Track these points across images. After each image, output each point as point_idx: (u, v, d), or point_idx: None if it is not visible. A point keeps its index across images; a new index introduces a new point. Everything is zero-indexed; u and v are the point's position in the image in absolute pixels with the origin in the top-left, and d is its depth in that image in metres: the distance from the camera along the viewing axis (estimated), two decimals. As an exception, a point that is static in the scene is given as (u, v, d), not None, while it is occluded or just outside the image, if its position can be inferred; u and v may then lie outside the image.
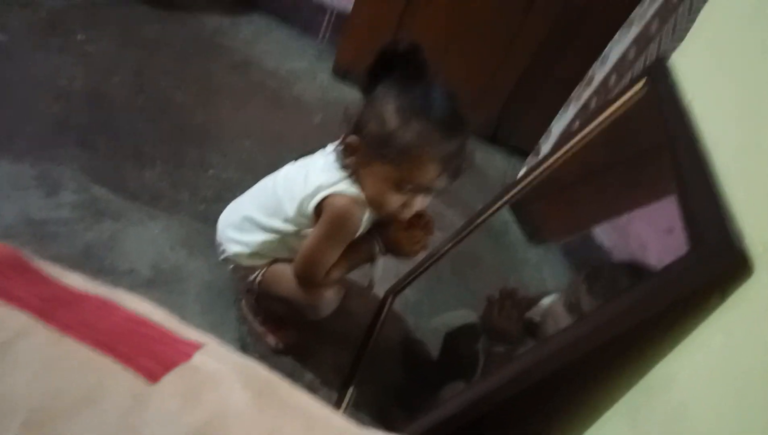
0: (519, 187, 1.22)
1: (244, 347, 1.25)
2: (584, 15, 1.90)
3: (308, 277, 1.05)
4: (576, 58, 1.93)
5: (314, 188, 0.99)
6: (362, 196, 0.98)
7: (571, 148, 1.12)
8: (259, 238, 1.10)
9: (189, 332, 0.43)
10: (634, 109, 1.03)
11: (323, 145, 1.12)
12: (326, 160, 1.03)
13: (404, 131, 0.90)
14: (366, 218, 1.03)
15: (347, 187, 0.98)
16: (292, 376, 1.24)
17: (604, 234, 2.47)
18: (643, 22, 1.51)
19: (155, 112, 1.76)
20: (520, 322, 1.16)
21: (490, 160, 2.25)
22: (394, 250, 1.09)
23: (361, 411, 1.27)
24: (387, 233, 1.08)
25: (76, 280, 0.44)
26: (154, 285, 1.28)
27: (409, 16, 2.04)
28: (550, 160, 1.15)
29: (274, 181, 1.12)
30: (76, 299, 0.41)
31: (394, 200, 0.97)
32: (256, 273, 1.15)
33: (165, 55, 2.02)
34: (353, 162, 0.98)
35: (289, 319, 1.26)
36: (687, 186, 0.66)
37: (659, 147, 1.05)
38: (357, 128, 0.96)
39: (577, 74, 1.86)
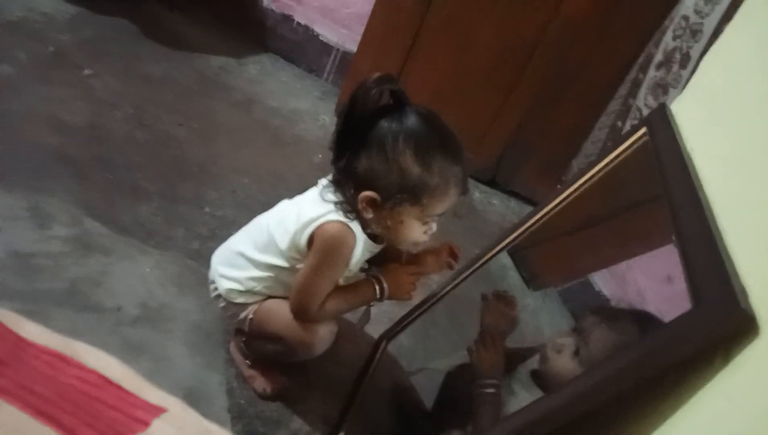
0: (517, 232, 1.19)
1: (231, 392, 1.20)
2: (581, 70, 1.92)
3: (302, 308, 1.03)
4: (574, 109, 1.94)
5: (307, 220, 0.99)
6: (352, 224, 0.99)
7: (570, 194, 1.10)
8: (252, 274, 1.08)
9: (152, 393, 0.40)
10: (634, 157, 1.02)
11: None
12: (316, 193, 1.03)
13: (430, 175, 0.93)
14: (360, 249, 1.02)
15: (338, 217, 0.98)
16: (279, 423, 1.19)
17: (602, 281, 2.44)
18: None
19: (155, 147, 1.76)
20: (502, 356, 1.12)
21: (489, 204, 2.23)
22: (394, 290, 1.09)
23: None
24: (387, 273, 1.10)
25: (33, 332, 0.41)
26: (140, 324, 1.25)
27: (412, 59, 2.06)
28: (549, 206, 1.13)
29: (268, 218, 1.12)
30: (27, 356, 0.38)
31: (419, 233, 1.01)
32: (248, 311, 1.12)
33: (169, 91, 2.03)
34: (374, 217, 0.98)
35: (279, 363, 1.22)
36: (688, 240, 0.63)
37: (659, 196, 1.04)
38: (367, 182, 0.95)
39: (575, 123, 1.87)
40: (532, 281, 1.61)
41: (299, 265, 1.04)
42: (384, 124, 0.93)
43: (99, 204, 1.49)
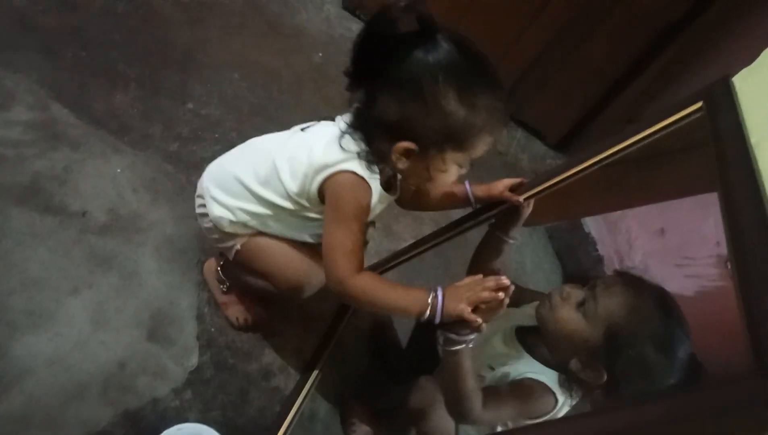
0: (539, 187, 1.08)
1: (201, 317, 1.14)
2: (612, 5, 1.72)
3: (330, 270, 0.85)
4: (598, 48, 1.77)
5: (319, 165, 0.85)
6: (372, 177, 0.85)
7: (600, 160, 0.99)
8: (247, 206, 0.96)
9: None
10: (682, 132, 0.90)
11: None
12: (332, 136, 0.86)
13: (475, 115, 0.79)
14: (377, 200, 0.88)
15: (355, 166, 0.84)
16: (250, 356, 1.14)
17: (593, 223, 2.38)
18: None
19: (136, 23, 1.56)
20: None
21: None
22: (452, 299, 0.81)
23: (319, 398, 1.18)
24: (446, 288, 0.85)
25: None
26: (108, 233, 1.14)
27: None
28: (574, 169, 1.01)
29: (273, 149, 0.94)
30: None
31: (455, 176, 0.88)
32: (235, 241, 1.01)
33: (156, -45, 1.78)
34: (409, 167, 0.83)
35: (260, 295, 1.15)
36: (750, 281, 0.54)
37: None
38: (402, 131, 0.80)
39: (596, 65, 1.71)
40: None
41: (306, 213, 0.92)
42: (416, 59, 0.76)
43: (68, 86, 1.32)
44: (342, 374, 1.24)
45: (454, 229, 1.19)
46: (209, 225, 1.02)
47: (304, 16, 1.97)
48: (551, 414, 0.95)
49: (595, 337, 0.90)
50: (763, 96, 0.80)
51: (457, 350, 0.84)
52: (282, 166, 0.90)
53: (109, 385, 0.98)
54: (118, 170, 1.24)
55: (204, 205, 1.01)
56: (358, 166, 0.83)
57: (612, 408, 0.56)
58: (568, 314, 0.94)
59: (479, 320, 0.79)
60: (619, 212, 2.22)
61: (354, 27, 2.02)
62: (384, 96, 0.79)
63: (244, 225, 0.98)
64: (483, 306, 0.79)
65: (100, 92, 1.35)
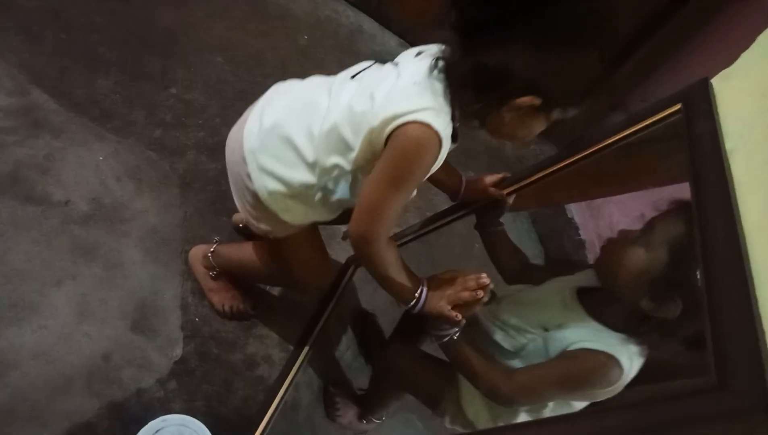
0: (519, 184, 1.09)
1: (185, 307, 1.14)
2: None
3: (365, 230, 0.77)
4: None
5: (393, 113, 0.72)
6: (446, 131, 0.74)
7: (578, 160, 1.01)
8: (301, 177, 0.84)
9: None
10: (658, 134, 0.91)
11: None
12: (402, 83, 0.75)
13: (600, 68, 0.71)
14: (443, 154, 0.77)
15: (430, 117, 0.72)
16: (234, 345, 1.15)
17: (576, 208, 2.41)
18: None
19: (117, 4, 1.52)
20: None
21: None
22: (433, 297, 0.82)
23: (303, 387, 1.20)
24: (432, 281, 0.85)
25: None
26: (91, 223, 1.14)
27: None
28: (553, 168, 1.03)
29: (326, 94, 0.83)
30: None
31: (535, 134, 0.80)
32: (276, 229, 0.91)
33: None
34: (511, 120, 0.75)
35: (247, 281, 1.16)
36: (718, 295, 0.55)
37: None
38: (528, 84, 0.70)
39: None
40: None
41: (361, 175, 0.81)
42: (577, 9, 0.66)
43: (48, 70, 1.30)
44: (325, 363, 1.26)
45: (441, 219, 1.20)
46: (251, 202, 0.89)
47: (290, -4, 1.94)
48: (616, 385, 0.84)
49: (662, 264, 0.83)
50: (741, 101, 0.81)
51: (448, 342, 0.85)
52: (341, 122, 0.79)
53: (93, 377, 0.99)
54: (101, 158, 1.23)
55: (249, 177, 0.86)
56: (434, 117, 0.72)
57: (576, 417, 0.58)
58: (629, 251, 0.86)
59: (459, 317, 0.80)
60: (600, 200, 2.25)
61: (341, 8, 1.99)
62: (513, 41, 0.68)
63: (299, 200, 0.87)
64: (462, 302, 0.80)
65: (81, 77, 1.33)
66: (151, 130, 1.35)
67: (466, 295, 0.80)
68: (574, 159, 1.04)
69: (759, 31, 0.79)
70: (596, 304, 0.92)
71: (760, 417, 0.47)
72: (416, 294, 0.82)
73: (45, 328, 0.99)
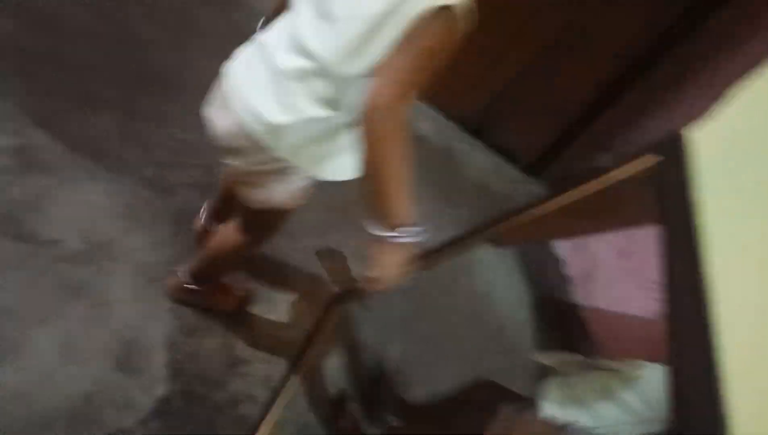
0: (496, 226, 1.12)
1: (172, 347, 1.15)
2: (584, 37, 1.78)
3: (392, 102, 0.72)
4: (569, 76, 1.82)
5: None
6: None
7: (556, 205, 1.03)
8: (312, 111, 0.83)
9: None
10: (634, 183, 0.94)
11: None
12: None
13: None
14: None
15: None
16: (218, 384, 1.16)
17: (561, 245, 2.44)
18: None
19: (114, 44, 1.57)
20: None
21: (472, 157, 2.13)
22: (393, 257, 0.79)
23: (286, 425, 1.20)
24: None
25: None
26: (80, 261, 1.15)
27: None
28: (534, 211, 1.05)
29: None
30: None
31: None
32: (288, 192, 0.93)
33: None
34: None
35: (224, 275, 1.22)
36: (682, 354, 0.57)
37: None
38: None
39: (565, 93, 1.76)
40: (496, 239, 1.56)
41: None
42: None
43: (43, 109, 1.33)
44: (309, 401, 1.26)
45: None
46: (247, 146, 0.90)
47: (285, 37, 1.99)
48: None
49: None
50: (713, 151, 0.83)
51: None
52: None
53: (75, 419, 0.99)
54: (93, 196, 1.25)
55: (251, 117, 0.87)
56: None
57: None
58: None
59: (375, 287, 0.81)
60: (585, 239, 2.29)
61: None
62: None
63: (309, 136, 0.86)
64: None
65: (75, 116, 1.36)
66: (145, 168, 1.37)
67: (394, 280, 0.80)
68: (555, 207, 1.07)
69: (731, 86, 0.83)
70: None
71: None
72: (411, 226, 0.76)
73: (26, 369, 0.99)
